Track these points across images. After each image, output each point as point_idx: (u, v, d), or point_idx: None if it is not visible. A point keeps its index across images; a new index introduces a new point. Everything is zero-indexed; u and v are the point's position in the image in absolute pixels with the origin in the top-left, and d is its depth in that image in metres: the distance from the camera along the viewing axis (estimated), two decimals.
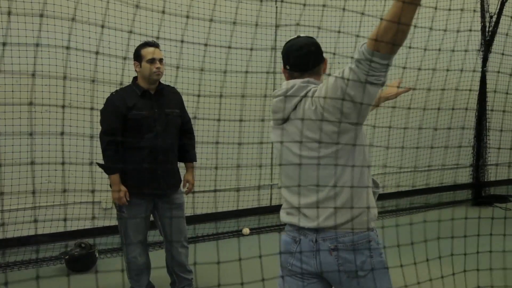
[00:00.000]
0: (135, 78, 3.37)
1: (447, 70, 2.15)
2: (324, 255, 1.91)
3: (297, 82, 1.98)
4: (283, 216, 2.07)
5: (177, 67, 1.73)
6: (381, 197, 6.44)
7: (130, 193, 3.30)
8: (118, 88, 3.32)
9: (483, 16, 6.39)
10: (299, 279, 2.00)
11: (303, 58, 2.02)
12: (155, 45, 3.30)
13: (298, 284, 2.00)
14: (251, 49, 2.23)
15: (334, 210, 1.89)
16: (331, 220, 1.90)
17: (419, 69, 1.99)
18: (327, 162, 1.89)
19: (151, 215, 3.53)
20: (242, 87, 4.86)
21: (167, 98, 3.39)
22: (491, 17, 6.29)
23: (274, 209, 5.84)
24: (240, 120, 3.73)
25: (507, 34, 4.76)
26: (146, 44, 3.30)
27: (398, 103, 2.72)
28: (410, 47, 2.18)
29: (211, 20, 1.90)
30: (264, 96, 4.80)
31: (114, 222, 5.03)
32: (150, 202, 3.42)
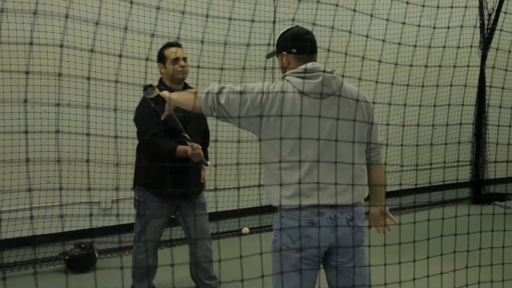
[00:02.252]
0: (160, 79, 3.35)
1: (454, 66, 2.15)
2: (341, 228, 2.05)
3: (320, 64, 2.13)
4: (291, 200, 2.05)
5: (198, 67, 1.74)
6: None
7: (153, 193, 3.28)
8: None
9: (481, 14, 6.39)
10: (308, 265, 2.06)
11: (313, 41, 2.19)
12: (177, 45, 3.30)
13: (310, 274, 2.08)
14: (268, 45, 2.27)
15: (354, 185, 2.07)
16: (356, 194, 2.09)
17: (426, 66, 1.99)
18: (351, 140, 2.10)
19: (175, 218, 3.50)
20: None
21: None
22: (489, 14, 6.29)
23: (275, 209, 5.86)
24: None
25: (501, 30, 4.75)
26: (169, 45, 3.30)
27: (393, 101, 2.72)
28: (415, 46, 2.18)
29: (230, 19, 1.91)
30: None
31: (113, 223, 5.05)
32: (173, 204, 3.39)
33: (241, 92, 2.04)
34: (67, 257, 4.23)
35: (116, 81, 1.70)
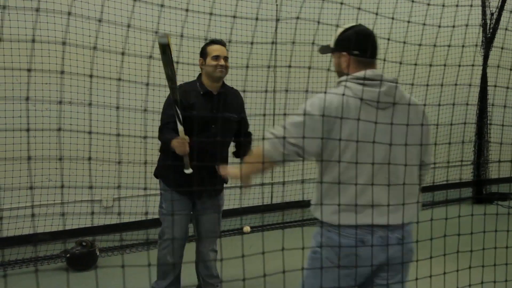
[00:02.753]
0: (199, 75, 3.34)
1: (459, 65, 2.13)
2: (392, 247, 1.98)
3: (380, 71, 2.00)
4: (346, 217, 1.93)
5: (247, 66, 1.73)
6: None
7: (171, 190, 3.28)
8: (182, 83, 3.30)
9: (484, 13, 6.37)
10: (350, 281, 1.99)
11: (376, 44, 2.05)
12: (221, 43, 3.29)
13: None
14: (294, 43, 2.21)
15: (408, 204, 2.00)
16: (410, 214, 2.03)
17: (430, 65, 1.98)
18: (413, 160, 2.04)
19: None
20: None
21: (228, 100, 3.34)
22: (492, 14, 6.27)
23: (276, 207, 5.86)
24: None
25: (506, 29, 4.74)
26: (213, 42, 3.28)
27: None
28: (420, 45, 2.18)
29: (256, 19, 1.89)
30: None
31: (115, 221, 5.04)
32: (190, 200, 3.39)
33: (304, 122, 1.86)
34: (68, 255, 4.23)
35: (119, 79, 1.69)
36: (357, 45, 1.99)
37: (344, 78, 1.99)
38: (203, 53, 3.29)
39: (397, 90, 1.98)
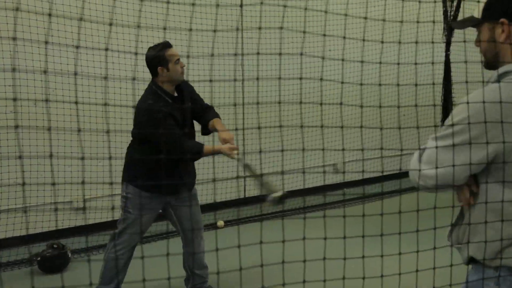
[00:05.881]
0: (156, 84, 3.25)
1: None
2: None
3: None
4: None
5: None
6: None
7: (143, 188, 3.25)
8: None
9: (444, 1, 6.50)
10: None
11: None
12: (171, 45, 3.24)
13: None
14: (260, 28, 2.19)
15: None
16: None
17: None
18: None
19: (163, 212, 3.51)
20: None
21: (186, 95, 3.38)
22: (452, 1, 6.41)
23: (249, 201, 5.86)
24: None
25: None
26: (167, 46, 3.21)
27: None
28: (383, 42, 2.20)
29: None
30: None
31: (86, 222, 4.96)
32: (163, 199, 3.37)
33: (454, 144, 1.42)
34: (39, 258, 4.19)
35: (106, 77, 1.66)
36: None
37: (504, 67, 1.45)
38: (163, 60, 3.18)
39: None
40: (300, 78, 1.91)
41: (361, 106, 1.93)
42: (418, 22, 1.75)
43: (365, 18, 1.87)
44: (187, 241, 3.54)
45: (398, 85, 1.86)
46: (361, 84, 1.99)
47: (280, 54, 1.78)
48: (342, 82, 1.82)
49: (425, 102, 6.36)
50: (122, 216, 3.35)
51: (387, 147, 6.45)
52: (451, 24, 1.85)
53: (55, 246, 4.27)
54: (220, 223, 5.27)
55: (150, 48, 3.24)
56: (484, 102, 1.36)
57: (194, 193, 3.54)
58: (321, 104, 1.69)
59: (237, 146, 3.18)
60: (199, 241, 3.54)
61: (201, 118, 3.47)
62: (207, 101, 3.68)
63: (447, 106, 6.54)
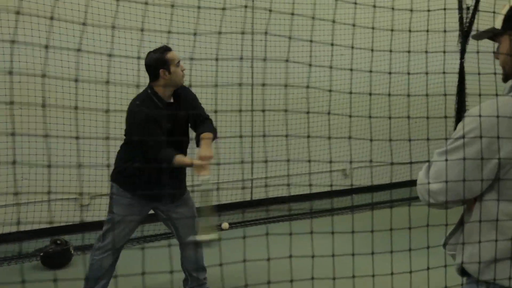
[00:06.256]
0: (152, 88, 3.17)
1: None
2: None
3: None
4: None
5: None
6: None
7: (126, 190, 3.20)
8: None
9: (460, 8, 6.42)
10: None
11: None
12: (171, 48, 3.18)
13: None
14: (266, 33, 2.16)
15: None
16: None
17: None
18: None
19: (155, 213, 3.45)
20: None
21: (183, 102, 3.26)
22: (468, 8, 6.33)
23: (256, 203, 5.82)
24: (215, 111, 3.65)
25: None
26: (167, 49, 3.14)
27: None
28: (391, 51, 2.15)
29: None
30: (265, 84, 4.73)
31: (90, 219, 4.96)
32: (148, 205, 3.33)
33: (465, 158, 1.37)
34: (42, 254, 4.20)
35: (107, 81, 1.63)
36: None
37: None
38: (164, 63, 3.11)
39: None
40: (307, 87, 1.87)
41: (370, 117, 1.88)
42: (428, 31, 1.70)
43: (372, 28, 1.82)
44: (182, 243, 3.48)
45: (408, 95, 1.81)
46: (370, 94, 1.94)
47: (287, 61, 1.73)
48: (351, 93, 1.78)
49: (436, 108, 6.27)
50: (107, 217, 3.31)
51: (397, 153, 6.38)
52: (471, 36, 1.74)
53: (58, 242, 4.27)
54: (225, 225, 5.25)
55: (149, 53, 3.17)
56: (480, 116, 1.34)
57: (186, 197, 3.43)
58: (329, 113, 1.64)
59: (209, 169, 3.00)
60: (195, 244, 3.43)
61: (196, 129, 3.33)
62: (211, 107, 3.60)
63: (460, 115, 6.46)
